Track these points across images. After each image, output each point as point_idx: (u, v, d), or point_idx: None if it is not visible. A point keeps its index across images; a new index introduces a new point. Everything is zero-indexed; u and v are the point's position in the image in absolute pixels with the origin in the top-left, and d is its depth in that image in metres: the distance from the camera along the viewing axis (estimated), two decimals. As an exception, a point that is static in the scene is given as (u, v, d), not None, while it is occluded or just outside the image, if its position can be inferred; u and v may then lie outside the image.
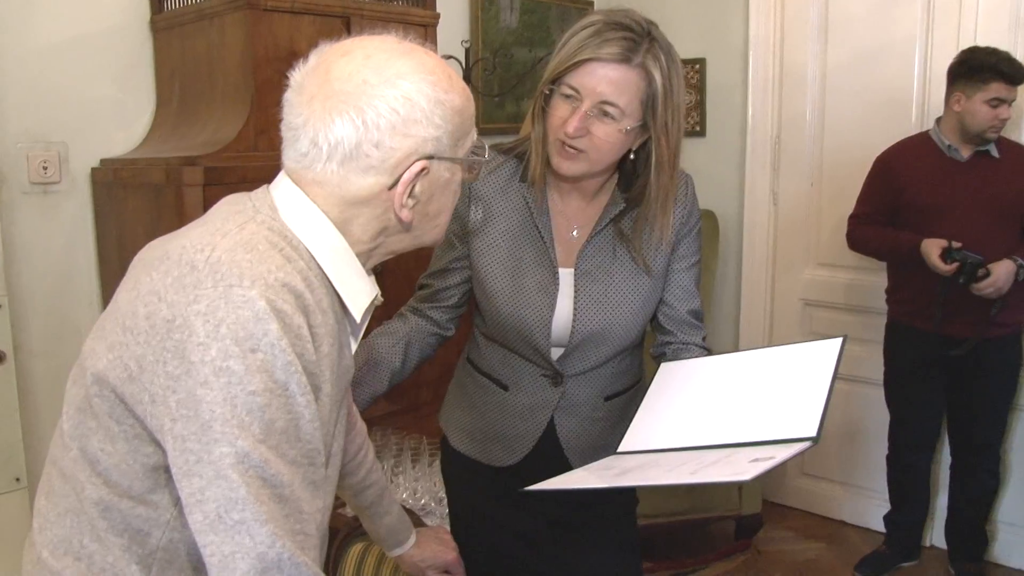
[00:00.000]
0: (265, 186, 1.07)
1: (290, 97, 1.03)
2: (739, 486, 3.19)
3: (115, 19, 2.45)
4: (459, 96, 1.05)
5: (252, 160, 2.20)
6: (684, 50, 3.79)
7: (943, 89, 3.12)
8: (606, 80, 1.41)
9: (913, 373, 3.04)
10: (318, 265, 1.02)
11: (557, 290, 1.55)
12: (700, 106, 3.76)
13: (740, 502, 3.31)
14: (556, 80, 1.44)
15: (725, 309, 3.84)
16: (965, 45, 3.06)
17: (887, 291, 3.11)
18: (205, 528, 0.87)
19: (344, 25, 2.46)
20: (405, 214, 1.04)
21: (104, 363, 0.94)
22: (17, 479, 2.23)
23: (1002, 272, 2.69)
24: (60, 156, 2.36)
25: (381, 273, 2.43)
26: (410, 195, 1.03)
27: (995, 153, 2.84)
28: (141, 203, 2.28)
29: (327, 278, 1.03)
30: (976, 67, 2.74)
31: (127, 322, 0.93)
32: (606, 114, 1.42)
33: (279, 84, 1.08)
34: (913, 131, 3.23)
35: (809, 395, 1.25)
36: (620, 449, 1.39)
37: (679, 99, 1.47)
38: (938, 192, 2.84)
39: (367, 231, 1.05)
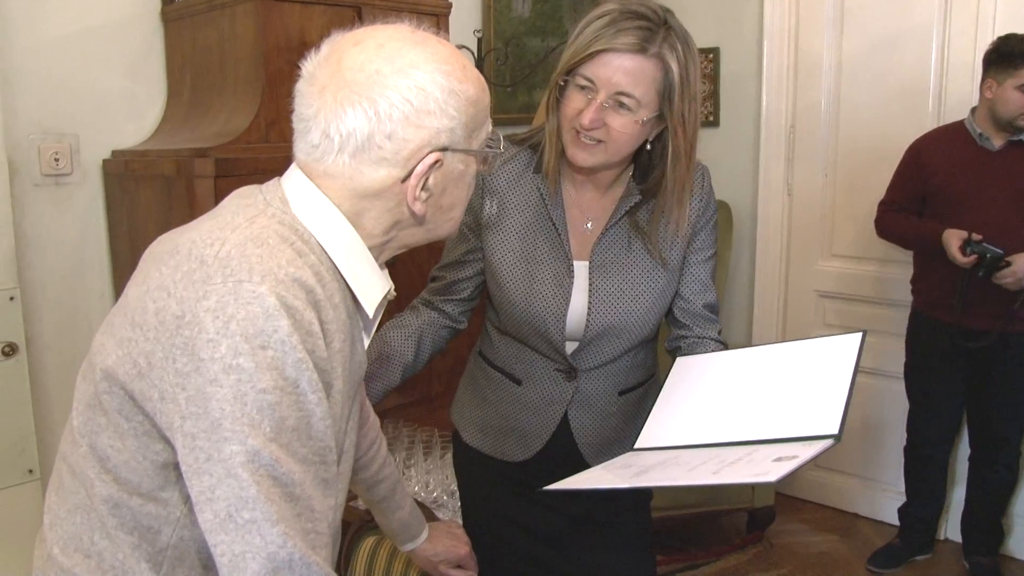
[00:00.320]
0: (276, 179, 1.05)
1: (301, 87, 1.01)
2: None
3: (126, 10, 2.43)
4: (474, 86, 1.03)
5: (263, 151, 2.18)
6: (698, 39, 3.75)
7: (961, 78, 3.09)
8: (622, 71, 1.38)
9: (933, 363, 3.02)
10: (330, 259, 1.00)
11: (572, 283, 1.53)
12: (714, 96, 3.73)
13: (752, 495, 3.29)
14: (571, 71, 1.42)
15: (738, 301, 3.81)
16: (984, 33, 3.03)
17: (912, 280, 3.09)
18: (215, 527, 0.86)
19: (356, 15, 2.44)
20: (418, 207, 1.03)
21: (113, 359, 0.93)
22: (30, 471, 2.23)
23: (1023, 264, 2.66)
24: (71, 148, 2.35)
25: (394, 265, 2.44)
26: (423, 188, 1.02)
27: None
28: (152, 195, 2.28)
29: (339, 272, 1.01)
30: (1007, 54, 2.71)
31: (136, 318, 0.92)
32: (622, 105, 1.40)
33: (290, 75, 1.06)
34: (930, 121, 3.20)
35: (830, 392, 1.24)
36: (637, 445, 1.37)
37: (696, 89, 1.45)
38: (965, 181, 2.81)
39: (379, 224, 1.04)
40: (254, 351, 0.86)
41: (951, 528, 3.33)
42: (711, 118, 3.74)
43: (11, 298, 2.19)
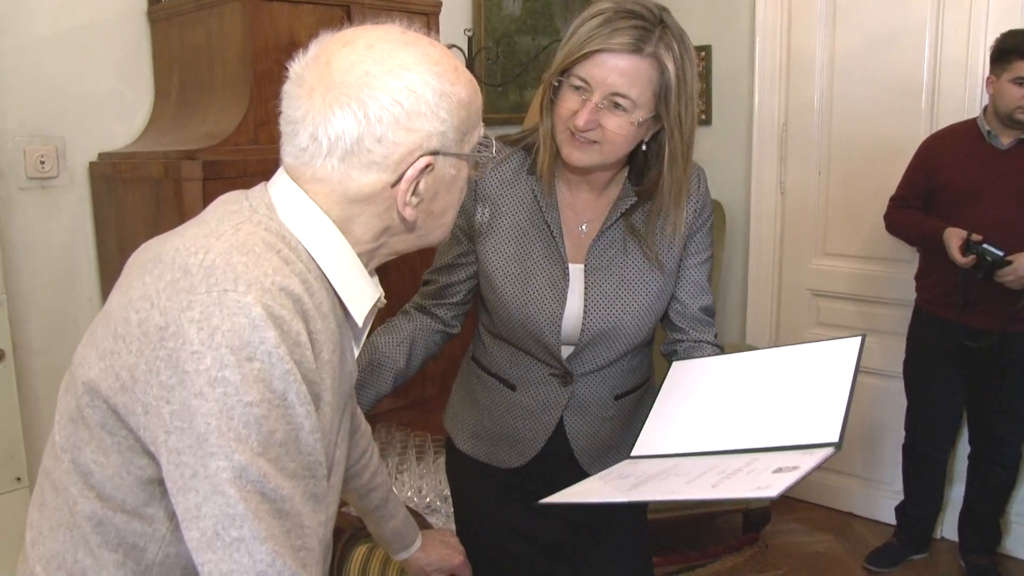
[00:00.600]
0: (263, 184, 1.03)
1: (289, 89, 0.98)
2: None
3: (112, 10, 2.40)
4: (465, 88, 1.00)
5: (252, 153, 2.16)
6: (690, 37, 3.74)
7: (955, 75, 3.08)
8: (616, 71, 1.36)
9: (934, 361, 3.01)
10: (318, 267, 0.98)
11: (567, 286, 1.51)
12: (706, 94, 3.71)
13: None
14: (565, 71, 1.40)
15: (732, 300, 3.80)
16: (977, 30, 3.02)
17: (916, 276, 3.07)
18: (202, 546, 0.84)
19: (345, 14, 2.41)
20: (409, 212, 1.00)
21: (95, 372, 0.90)
22: (18, 479, 2.20)
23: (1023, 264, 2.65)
24: (58, 150, 2.32)
25: (386, 269, 2.41)
26: (414, 192, 0.99)
27: None
28: (140, 198, 2.25)
29: (327, 280, 0.99)
30: (1004, 48, 2.72)
31: (119, 329, 0.89)
32: (617, 106, 1.38)
33: (279, 75, 1.04)
34: (923, 118, 3.19)
35: (829, 398, 1.21)
36: (634, 453, 1.35)
37: (693, 89, 1.43)
38: (971, 178, 2.80)
39: (369, 230, 1.01)
40: (240, 363, 0.83)
41: (948, 527, 3.32)
42: (703, 116, 3.72)
43: (-3, 303, 2.16)
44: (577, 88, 1.39)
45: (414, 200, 1.00)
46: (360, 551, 1.75)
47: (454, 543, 1.56)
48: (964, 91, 3.10)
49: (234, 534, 0.82)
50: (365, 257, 1.03)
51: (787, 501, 3.66)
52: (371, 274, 1.07)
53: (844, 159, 3.42)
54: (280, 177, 1.00)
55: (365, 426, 1.42)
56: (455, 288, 1.61)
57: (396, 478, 2.32)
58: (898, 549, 3.22)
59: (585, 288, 1.51)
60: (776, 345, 3.70)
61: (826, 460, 1.11)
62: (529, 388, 1.58)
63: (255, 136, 2.20)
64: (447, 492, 2.18)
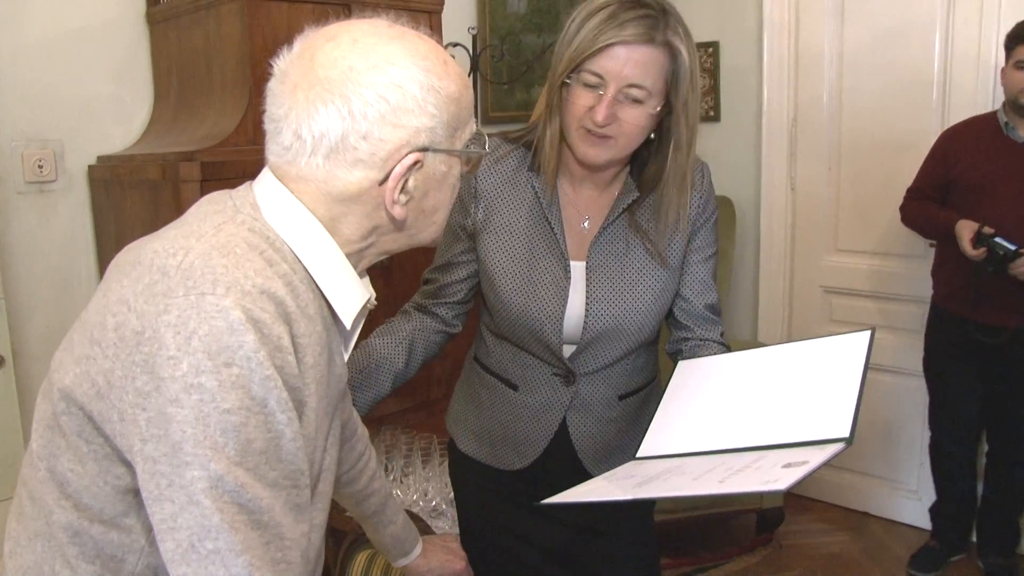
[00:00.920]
0: (248, 183, 0.99)
1: (273, 86, 0.95)
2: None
3: (110, 12, 2.38)
4: (455, 83, 0.97)
5: (251, 154, 2.13)
6: (697, 33, 3.68)
7: (966, 69, 3.04)
8: (631, 63, 1.34)
9: (950, 357, 2.95)
10: (304, 268, 0.95)
11: (569, 284, 1.47)
12: (714, 91, 3.67)
13: (761, 496, 3.22)
14: (576, 68, 1.37)
15: (743, 298, 3.75)
16: (988, 23, 2.97)
17: (931, 271, 3.01)
18: (177, 558, 0.80)
19: (345, 13, 2.38)
20: (397, 211, 0.97)
21: (71, 378, 0.87)
22: (19, 486, 2.17)
23: None
24: (56, 154, 2.30)
25: (389, 267, 2.38)
26: (402, 190, 0.96)
27: None
28: (139, 201, 2.22)
29: (314, 282, 0.96)
30: (1011, 35, 2.69)
31: (95, 334, 0.86)
32: (633, 98, 1.36)
33: (279, 76, 1.01)
34: (934, 112, 3.14)
35: (839, 392, 1.18)
36: (640, 454, 1.31)
37: (698, 74, 1.41)
38: (987, 171, 2.74)
39: (357, 230, 0.98)
40: (218, 369, 0.80)
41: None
42: (711, 113, 3.68)
43: (-5, 308, 2.14)
44: (589, 84, 1.36)
45: (403, 198, 0.96)
46: (362, 557, 1.71)
47: (455, 548, 1.52)
48: (976, 85, 3.04)
49: (209, 546, 0.79)
50: (354, 257, 1.00)
51: (802, 501, 3.61)
52: (361, 275, 1.04)
53: (855, 154, 3.37)
54: (265, 176, 0.97)
55: (362, 430, 1.39)
56: (455, 287, 1.58)
57: (401, 481, 2.29)
58: (938, 552, 3.14)
59: (587, 285, 1.47)
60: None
61: (836, 455, 1.07)
62: (531, 388, 1.55)
63: (254, 137, 2.17)
64: (453, 495, 2.15)
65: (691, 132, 1.43)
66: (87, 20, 2.33)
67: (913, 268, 3.22)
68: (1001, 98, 2.80)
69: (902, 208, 2.97)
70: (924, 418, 3.15)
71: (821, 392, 1.20)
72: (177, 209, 2.08)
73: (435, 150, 0.96)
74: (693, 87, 1.39)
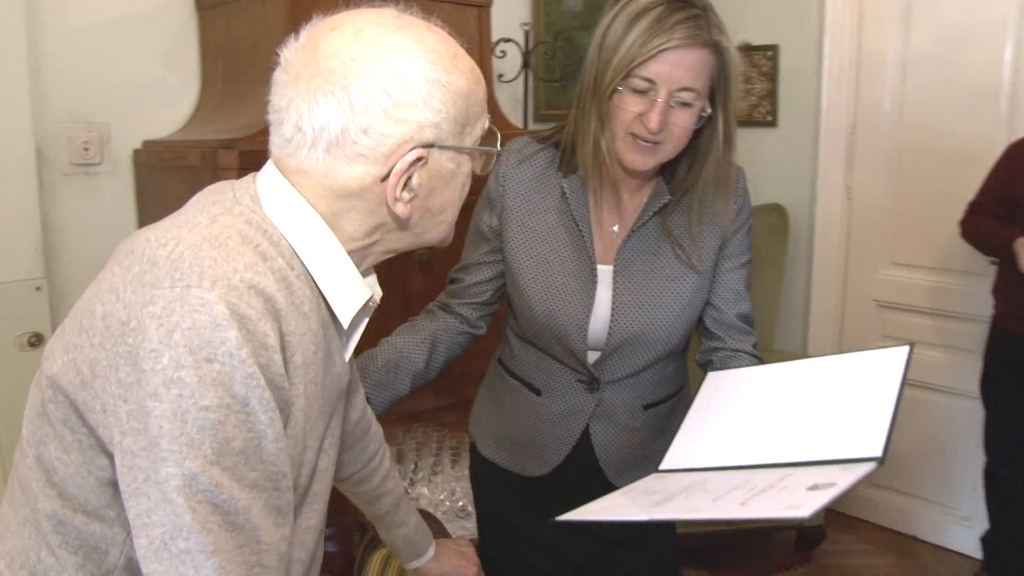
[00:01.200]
0: (252, 174, 0.97)
1: (277, 76, 0.93)
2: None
3: (161, -2, 2.40)
4: (464, 77, 0.93)
5: (290, 144, 2.12)
6: (756, 36, 3.61)
7: (1037, 76, 2.89)
8: (683, 66, 1.29)
9: (1008, 378, 2.81)
10: (302, 263, 0.91)
11: (595, 288, 1.42)
12: (772, 95, 3.57)
13: (802, 513, 3.12)
14: (627, 75, 1.32)
15: (793, 308, 3.65)
16: (1063, 29, 2.83)
17: (992, 290, 2.88)
18: (149, 555, 0.78)
19: (390, 5, 2.37)
20: (400, 209, 0.93)
21: (59, 366, 0.85)
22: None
23: None
24: (102, 137, 2.32)
25: (430, 260, 2.36)
26: (406, 187, 0.92)
27: None
28: (180, 186, 2.23)
29: (312, 277, 0.92)
30: None
31: (84, 322, 0.84)
32: (683, 101, 1.31)
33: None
34: (1002, 122, 3.00)
35: (873, 409, 1.11)
36: (663, 467, 1.26)
37: (740, 72, 1.37)
38: None
39: (360, 227, 0.94)
40: (198, 364, 0.77)
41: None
42: (769, 117, 3.58)
43: (37, 288, 2.16)
44: (639, 90, 1.31)
45: (406, 196, 0.93)
46: (378, 556, 1.68)
47: (469, 553, 1.48)
48: (1048, 94, 2.91)
49: (181, 545, 0.76)
50: (357, 255, 0.97)
51: (846, 519, 3.49)
52: (367, 273, 1.01)
53: (916, 164, 3.24)
54: (267, 168, 0.95)
55: (376, 428, 1.36)
56: (480, 287, 1.54)
57: (430, 480, 2.26)
58: None
59: (614, 290, 1.42)
60: (838, 357, 3.55)
61: (867, 476, 1.00)
62: (555, 394, 1.50)
63: (294, 126, 2.16)
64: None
65: (734, 129, 1.39)
66: (137, 5, 2.36)
67: (973, 285, 3.09)
68: None
69: (962, 222, 2.85)
70: (979, 442, 3.01)
71: (854, 408, 1.14)
72: (215, 196, 2.08)
73: (441, 147, 0.92)
74: (736, 82, 1.35)
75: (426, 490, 2.21)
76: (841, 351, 3.50)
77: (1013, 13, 2.95)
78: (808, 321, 3.60)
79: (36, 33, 2.17)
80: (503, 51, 3.10)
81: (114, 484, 0.86)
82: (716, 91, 1.34)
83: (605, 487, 1.43)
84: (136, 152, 2.38)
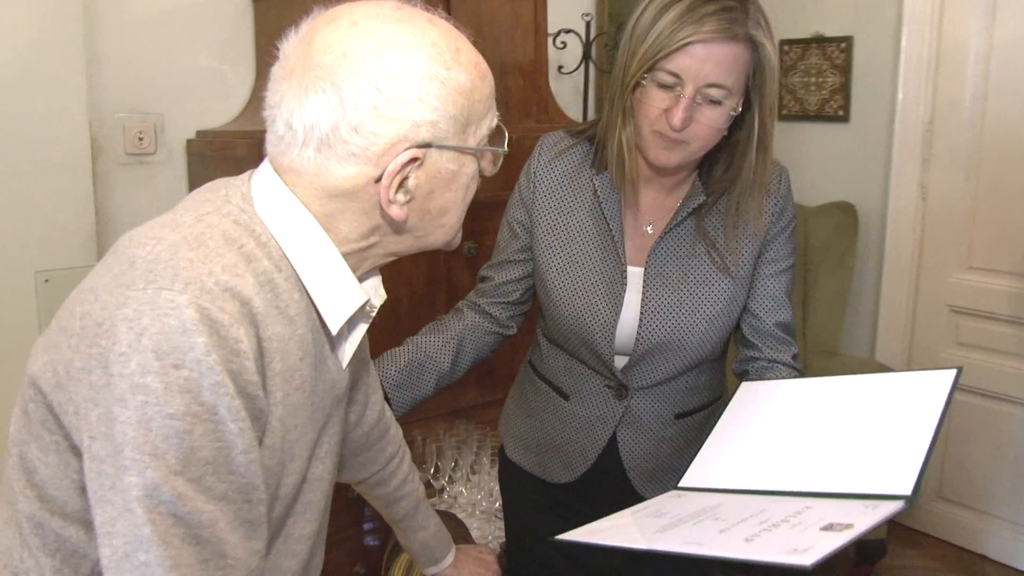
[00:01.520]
0: (250, 171, 0.94)
1: (274, 70, 0.90)
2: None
3: (217, -12, 2.41)
4: (466, 73, 0.88)
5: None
6: (829, 27, 3.46)
7: None
8: (711, 60, 1.22)
9: None
10: (291, 265, 0.88)
11: (624, 291, 1.36)
12: (844, 89, 3.42)
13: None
14: (651, 67, 1.25)
15: (862, 312, 3.50)
16: None
17: None
18: (112, 566, 0.75)
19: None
20: (395, 211, 0.89)
21: (39, 365, 0.84)
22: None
23: None
24: (156, 127, 2.35)
25: (477, 256, 2.32)
26: (400, 189, 0.88)
27: None
28: (229, 176, 2.24)
29: (301, 281, 0.89)
30: None
31: (64, 322, 0.83)
32: (711, 98, 1.24)
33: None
34: (1094, 120, 2.82)
35: (909, 440, 1.04)
36: (682, 483, 1.20)
37: (778, 68, 1.28)
38: None
39: (356, 229, 0.91)
40: (165, 370, 0.74)
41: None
42: (841, 113, 3.44)
43: (90, 275, 2.20)
44: (665, 84, 1.25)
45: (401, 198, 0.89)
46: (404, 559, 1.66)
47: (489, 561, 1.44)
48: None
49: (141, 558, 0.74)
50: (354, 257, 0.93)
51: (909, 533, 3.34)
52: (367, 276, 0.97)
53: (997, 164, 3.07)
54: (263, 167, 0.92)
55: (395, 431, 1.32)
56: (511, 286, 1.49)
57: (468, 479, 2.23)
58: None
59: (643, 293, 1.36)
60: (909, 364, 3.40)
61: (892, 516, 0.93)
62: (583, 399, 1.45)
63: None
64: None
65: (772, 128, 1.31)
66: (195, -4, 2.37)
67: (1056, 292, 2.92)
68: None
69: None
70: (1057, 459, 2.86)
71: (890, 437, 1.07)
72: (260, 188, 2.08)
73: (440, 147, 0.88)
74: (773, 83, 1.27)
75: (464, 489, 2.18)
76: (911, 358, 3.37)
77: (1107, 3, 2.76)
78: (877, 325, 3.45)
79: (93, 24, 2.20)
80: (563, 42, 3.04)
81: None
82: (751, 89, 1.27)
83: (632, 497, 1.38)
84: (189, 142, 2.40)
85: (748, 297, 1.40)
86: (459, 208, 0.96)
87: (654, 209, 1.39)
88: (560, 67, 3.18)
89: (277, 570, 0.93)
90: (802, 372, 1.40)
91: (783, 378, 1.35)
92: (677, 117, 1.23)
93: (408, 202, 0.89)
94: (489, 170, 0.97)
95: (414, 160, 0.86)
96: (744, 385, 1.34)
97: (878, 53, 3.33)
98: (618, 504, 1.18)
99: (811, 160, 3.52)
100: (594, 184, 1.39)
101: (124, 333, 0.75)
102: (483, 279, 1.53)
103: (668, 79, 1.24)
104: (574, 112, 3.17)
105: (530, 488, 1.54)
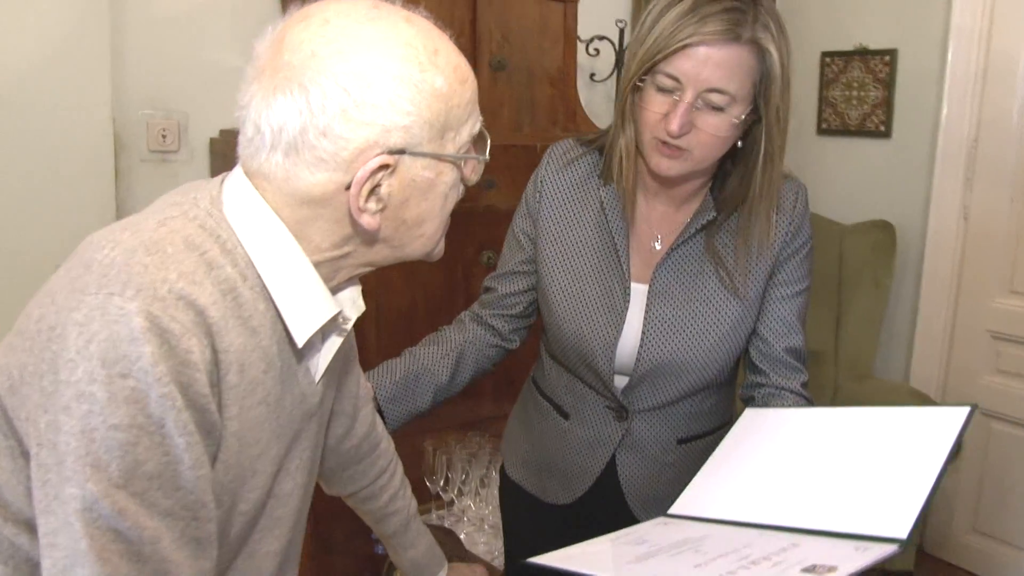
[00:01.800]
0: (224, 174, 0.91)
1: (246, 71, 0.86)
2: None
3: (245, -13, 2.40)
4: (443, 76, 0.84)
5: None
6: (873, 40, 3.36)
7: None
8: (712, 64, 1.16)
9: None
10: (258, 274, 0.85)
11: (627, 308, 1.31)
12: (887, 103, 3.32)
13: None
14: (650, 70, 1.20)
15: (897, 335, 3.39)
16: None
17: None
18: None
19: (471, 2, 2.31)
20: (367, 220, 0.85)
21: None
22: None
23: None
24: (180, 125, 2.35)
25: (495, 265, 2.28)
26: (371, 197, 0.84)
27: None
28: (249, 177, 2.23)
29: (267, 290, 0.86)
30: None
31: (22, 323, 0.80)
32: (713, 104, 1.18)
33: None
34: None
35: (911, 480, 0.98)
36: (672, 510, 1.16)
37: (790, 75, 1.21)
38: None
39: (328, 237, 0.87)
40: (111, 379, 0.71)
41: None
42: (882, 128, 3.34)
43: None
44: (665, 88, 1.19)
45: (372, 206, 0.85)
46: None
47: (483, 580, 1.40)
48: None
49: (79, 573, 0.71)
50: (327, 267, 0.89)
51: (940, 565, 3.23)
52: (341, 287, 0.93)
53: (1044, 185, 2.96)
54: (235, 171, 0.88)
55: (386, 445, 1.29)
56: (514, 299, 1.45)
57: (477, 493, 2.19)
58: None
59: (646, 311, 1.31)
60: (944, 390, 3.29)
61: (882, 560, 0.88)
62: (583, 419, 1.40)
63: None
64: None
65: (783, 141, 1.24)
66: (221, -6, 2.37)
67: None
68: None
69: None
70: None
71: (892, 475, 1.01)
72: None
73: (414, 153, 0.84)
74: (784, 92, 1.20)
75: (472, 503, 2.14)
76: (947, 384, 3.26)
77: None
78: (912, 348, 3.34)
79: (119, 21, 2.20)
80: (596, 49, 2.99)
81: None
82: (758, 97, 1.20)
83: (630, 523, 1.32)
84: (213, 141, 2.40)
85: (757, 320, 1.34)
86: (438, 218, 0.92)
87: (663, 224, 1.34)
88: (592, 75, 3.13)
89: None
90: (811, 400, 1.33)
91: (790, 406, 1.29)
92: (675, 122, 1.18)
93: (381, 211, 0.86)
94: (472, 179, 0.93)
95: (385, 167, 0.83)
96: (748, 411, 1.28)
97: (923, 66, 3.22)
98: (615, 530, 1.13)
99: (850, 176, 3.43)
100: (600, 196, 1.34)
101: (74, 339, 0.72)
102: (486, 290, 1.49)
103: (667, 82, 1.19)
104: (605, 121, 3.10)
105: (529, 508, 1.50)
